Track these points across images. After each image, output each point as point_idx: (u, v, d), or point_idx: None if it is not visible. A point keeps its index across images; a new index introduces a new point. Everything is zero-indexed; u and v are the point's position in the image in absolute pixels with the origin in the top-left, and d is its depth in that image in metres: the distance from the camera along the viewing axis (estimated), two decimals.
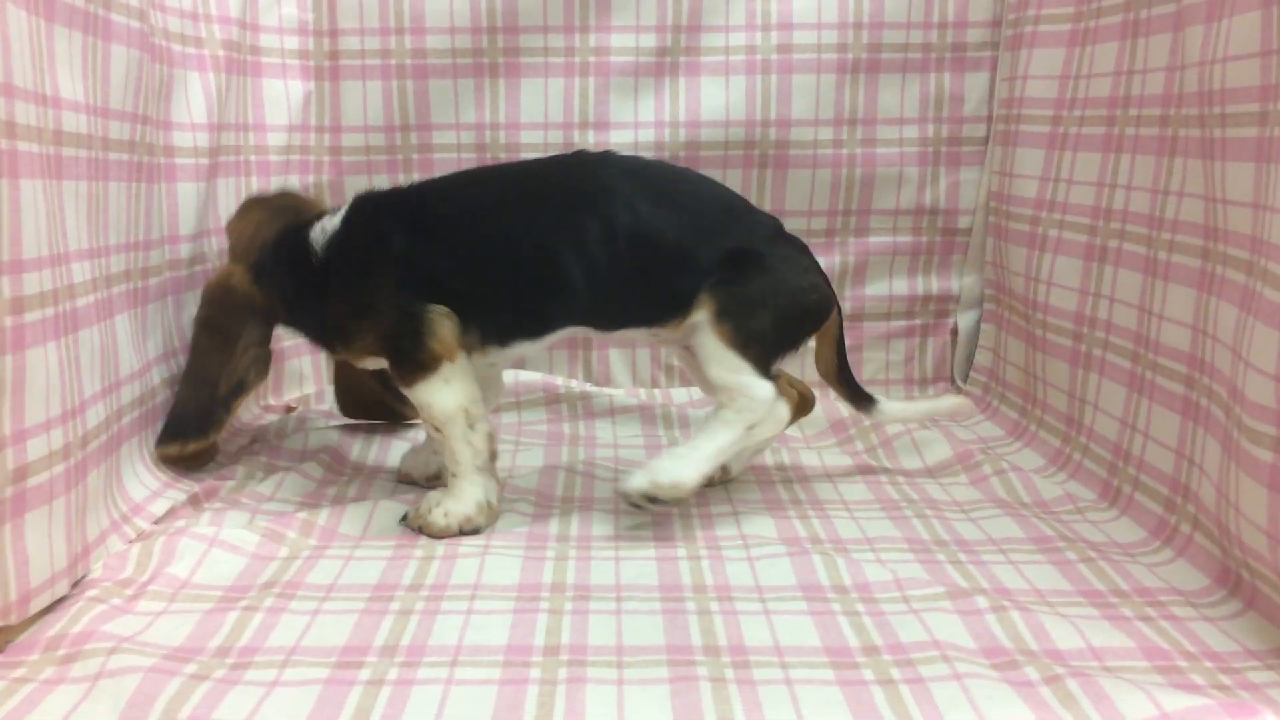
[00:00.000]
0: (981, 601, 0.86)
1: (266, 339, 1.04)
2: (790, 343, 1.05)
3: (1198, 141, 0.97)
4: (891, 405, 1.17)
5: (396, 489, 1.11)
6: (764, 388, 1.00)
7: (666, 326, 1.03)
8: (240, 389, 1.03)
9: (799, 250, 1.08)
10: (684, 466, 0.99)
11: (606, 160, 1.05)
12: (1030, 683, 0.74)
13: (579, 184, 1.02)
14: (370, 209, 1.03)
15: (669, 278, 1.01)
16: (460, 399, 0.98)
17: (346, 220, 1.02)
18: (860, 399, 1.15)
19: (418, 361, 0.97)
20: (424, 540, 0.98)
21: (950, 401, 1.24)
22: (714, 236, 1.02)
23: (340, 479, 1.14)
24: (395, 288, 0.98)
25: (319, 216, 1.04)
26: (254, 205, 1.15)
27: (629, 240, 0.99)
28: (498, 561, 0.93)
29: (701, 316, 1.00)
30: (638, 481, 0.98)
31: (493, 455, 1.02)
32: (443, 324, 0.98)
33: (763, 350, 1.01)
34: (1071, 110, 1.24)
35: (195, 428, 1.04)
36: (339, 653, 0.77)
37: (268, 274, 1.02)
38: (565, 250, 0.99)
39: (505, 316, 1.01)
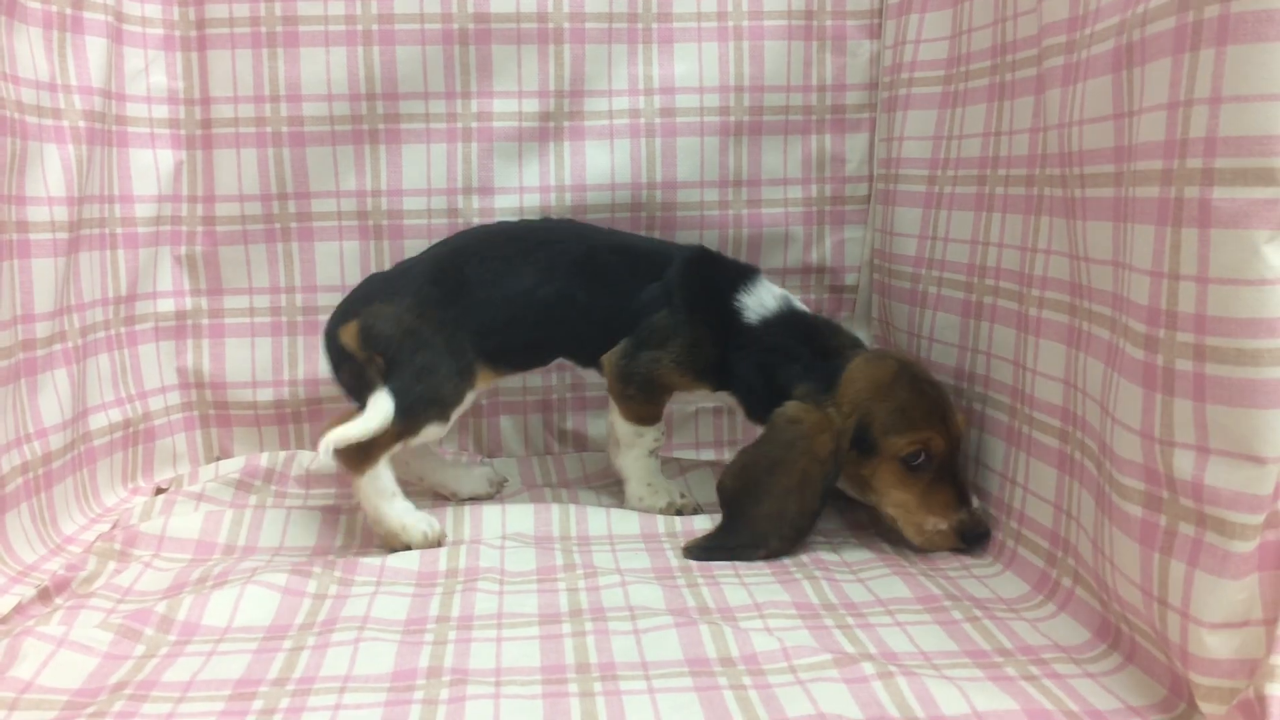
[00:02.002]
0: (868, 668, 0.84)
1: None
2: None
3: (1061, 201, 0.99)
4: None
5: (265, 568, 1.05)
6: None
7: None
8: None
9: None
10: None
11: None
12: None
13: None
14: None
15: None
16: None
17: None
18: None
19: None
20: (295, 625, 0.93)
21: None
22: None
23: (205, 563, 1.08)
24: None
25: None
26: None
27: None
28: (371, 648, 0.89)
29: None
30: None
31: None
32: None
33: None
34: (945, 170, 1.27)
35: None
36: None
37: None
38: None
39: None
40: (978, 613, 0.96)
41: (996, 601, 0.99)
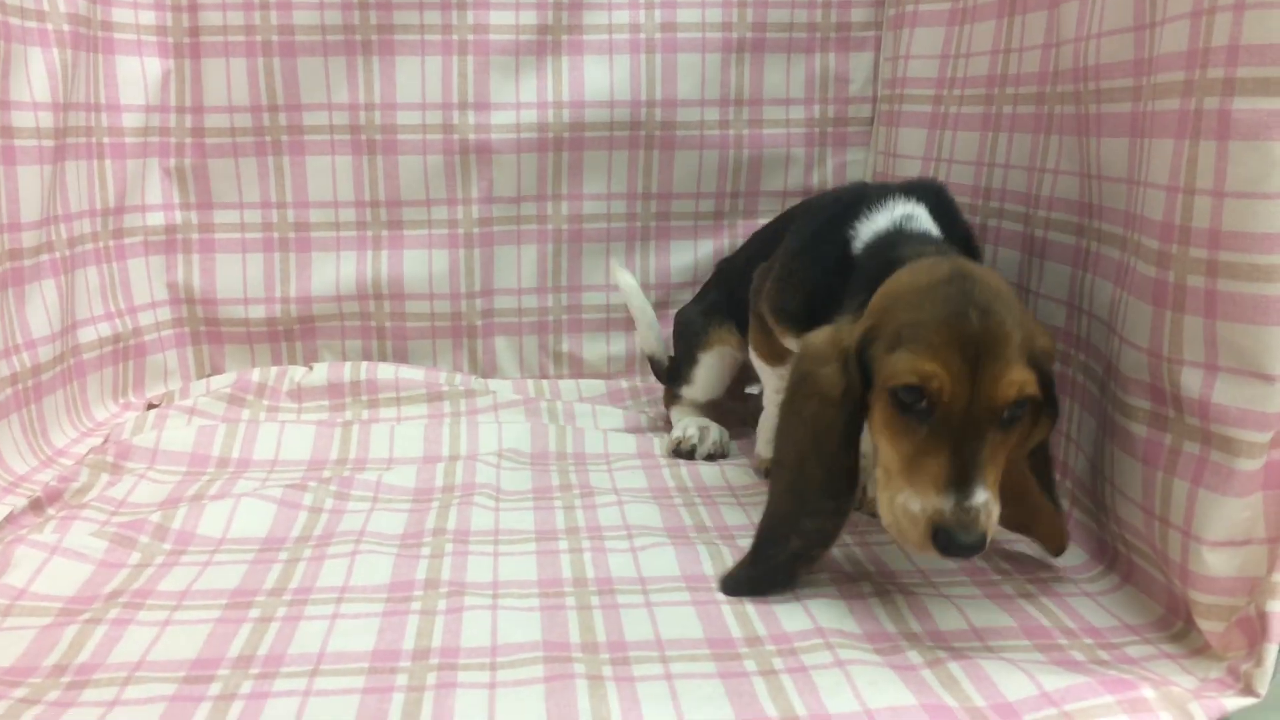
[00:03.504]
0: (866, 587, 0.84)
1: None
2: None
3: (1073, 118, 0.97)
4: None
5: (263, 485, 1.05)
6: None
7: None
8: None
9: None
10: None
11: None
12: (913, 666, 0.73)
13: None
14: None
15: None
16: None
17: None
18: None
19: None
20: (291, 538, 0.93)
21: None
22: None
23: (201, 478, 1.08)
24: None
25: None
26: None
27: None
28: (368, 560, 0.88)
29: None
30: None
31: None
32: None
33: None
34: (951, 89, 1.24)
35: None
36: (188, 666, 0.72)
37: None
38: None
39: None
40: None
41: None
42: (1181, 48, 0.74)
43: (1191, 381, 0.74)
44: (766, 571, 0.83)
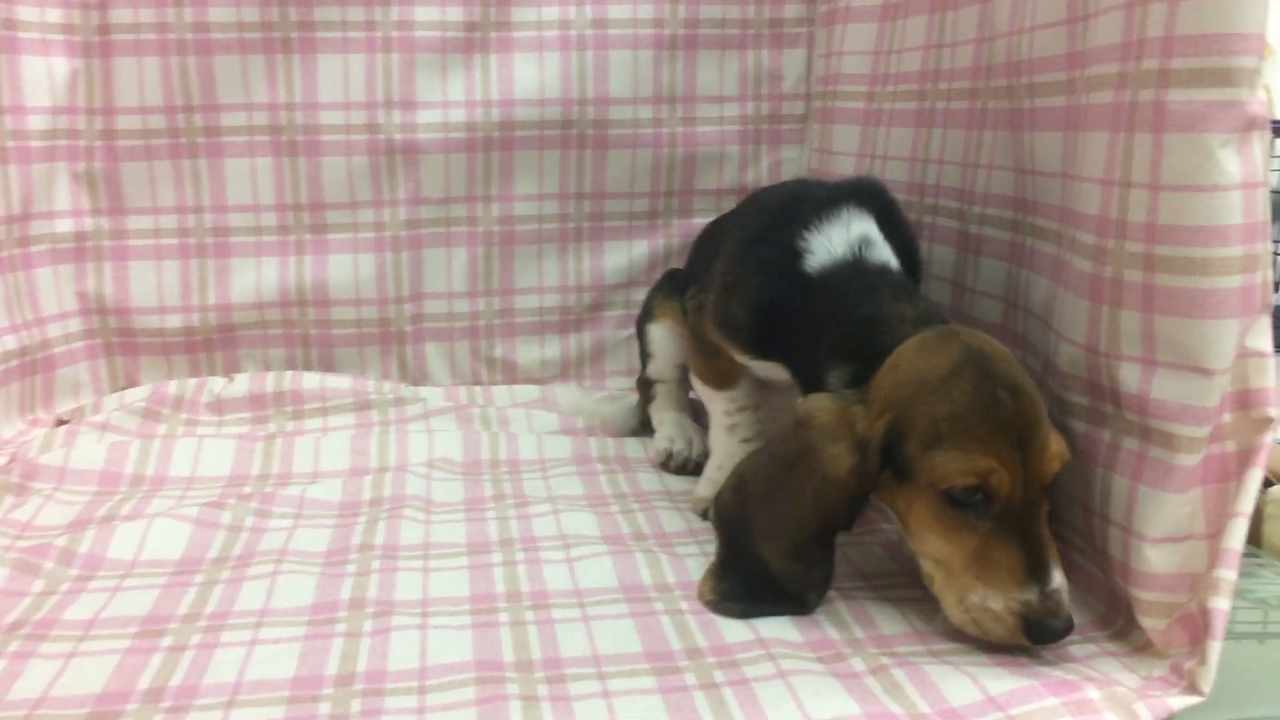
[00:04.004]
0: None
1: None
2: None
3: (1006, 113, 0.96)
4: None
5: (178, 504, 1.00)
6: None
7: None
8: None
9: None
10: None
11: None
12: (856, 674, 0.71)
13: None
14: None
15: None
16: None
17: None
18: None
19: None
20: (208, 559, 0.88)
21: None
22: None
23: (112, 498, 1.02)
24: None
25: None
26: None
27: None
28: (290, 581, 0.84)
29: None
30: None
31: None
32: None
33: None
34: (884, 86, 1.23)
35: None
36: (94, 701, 0.67)
37: None
38: None
39: None
40: None
41: None
42: (1115, 40, 0.73)
43: (1130, 377, 0.73)
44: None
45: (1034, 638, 0.72)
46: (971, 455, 0.72)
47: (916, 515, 0.76)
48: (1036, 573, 0.72)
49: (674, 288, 1.19)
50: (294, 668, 0.71)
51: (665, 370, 1.20)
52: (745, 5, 1.42)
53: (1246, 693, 0.71)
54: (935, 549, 0.76)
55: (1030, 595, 0.72)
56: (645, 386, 1.24)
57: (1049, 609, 0.71)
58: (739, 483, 0.84)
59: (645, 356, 1.22)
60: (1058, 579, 0.72)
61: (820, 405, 0.79)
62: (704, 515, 0.99)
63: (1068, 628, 0.72)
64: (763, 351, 0.92)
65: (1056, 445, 0.74)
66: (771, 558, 0.80)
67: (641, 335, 1.22)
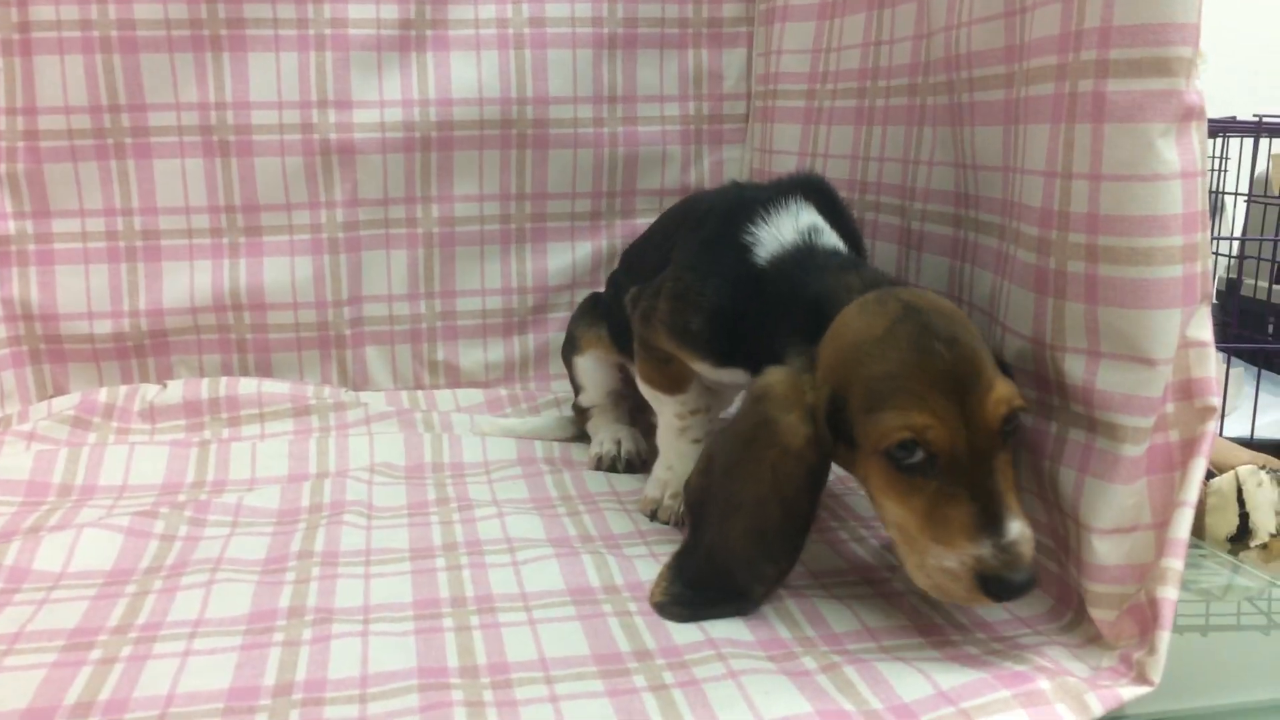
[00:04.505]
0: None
1: None
2: None
3: (946, 108, 0.96)
4: None
5: (108, 513, 0.96)
6: None
7: None
8: None
9: None
10: None
11: None
12: (808, 672, 0.70)
13: None
14: None
15: None
16: None
17: None
18: None
19: None
20: (140, 569, 0.85)
21: None
22: None
23: (39, 508, 0.98)
24: None
25: None
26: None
27: None
28: (226, 590, 0.81)
29: None
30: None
31: None
32: None
33: None
34: (824, 84, 1.23)
35: None
36: (19, 717, 0.64)
37: None
38: None
39: None
40: (864, 532, 0.95)
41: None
42: (1054, 31, 0.74)
43: (1075, 368, 0.73)
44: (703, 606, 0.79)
45: (992, 593, 0.68)
46: (905, 412, 0.70)
47: (872, 483, 0.75)
48: (990, 524, 0.68)
49: (596, 315, 1.17)
50: (230, 678, 0.69)
51: (598, 398, 1.19)
52: (684, 4, 1.42)
53: (1190, 685, 0.72)
54: (892, 514, 0.74)
55: (982, 550, 0.68)
56: (580, 412, 1.22)
57: (1005, 561, 0.68)
58: (707, 463, 0.82)
59: (576, 388, 1.20)
60: (1014, 529, 0.68)
61: (775, 378, 0.77)
62: (652, 516, 0.98)
63: (1029, 581, 0.68)
64: (723, 357, 0.91)
65: (1002, 390, 0.71)
66: (731, 539, 0.78)
67: (570, 366, 1.20)
